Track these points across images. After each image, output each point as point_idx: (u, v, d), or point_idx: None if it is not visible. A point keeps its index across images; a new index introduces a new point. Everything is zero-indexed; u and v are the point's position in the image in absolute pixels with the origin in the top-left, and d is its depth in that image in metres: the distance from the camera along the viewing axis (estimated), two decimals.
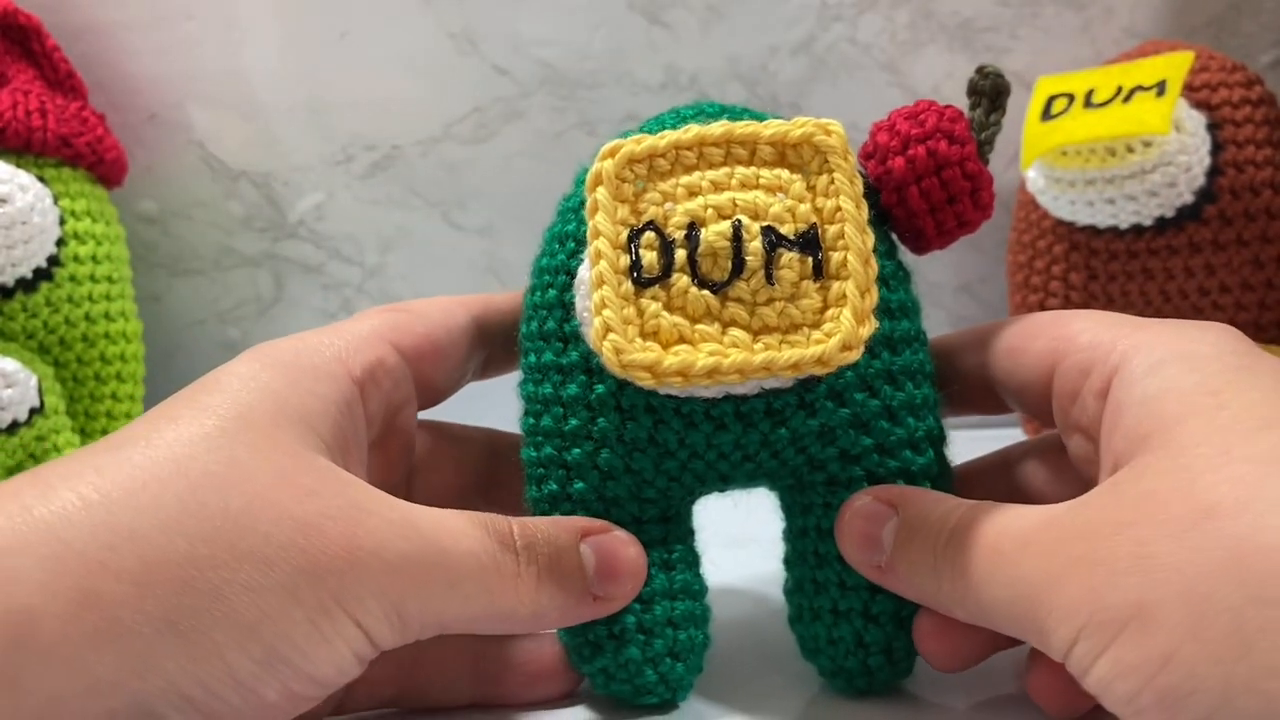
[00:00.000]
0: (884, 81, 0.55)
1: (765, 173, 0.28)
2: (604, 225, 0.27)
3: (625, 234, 0.28)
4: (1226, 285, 0.48)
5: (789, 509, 0.31)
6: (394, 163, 0.56)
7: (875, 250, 0.28)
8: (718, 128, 0.28)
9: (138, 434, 0.24)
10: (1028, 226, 0.52)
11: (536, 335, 0.30)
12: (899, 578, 0.27)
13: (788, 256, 0.27)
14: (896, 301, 0.30)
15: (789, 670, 0.31)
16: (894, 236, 0.32)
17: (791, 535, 0.31)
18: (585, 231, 0.28)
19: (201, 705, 0.22)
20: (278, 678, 0.23)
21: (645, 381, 0.26)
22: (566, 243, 0.30)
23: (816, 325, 0.27)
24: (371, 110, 0.55)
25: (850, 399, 0.28)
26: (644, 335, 0.27)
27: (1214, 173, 0.46)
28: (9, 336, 0.46)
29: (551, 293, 0.30)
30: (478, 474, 0.34)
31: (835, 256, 0.27)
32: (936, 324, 0.61)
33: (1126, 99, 0.45)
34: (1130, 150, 0.45)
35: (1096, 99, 0.46)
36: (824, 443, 0.29)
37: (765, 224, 0.27)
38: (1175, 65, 0.45)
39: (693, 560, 0.31)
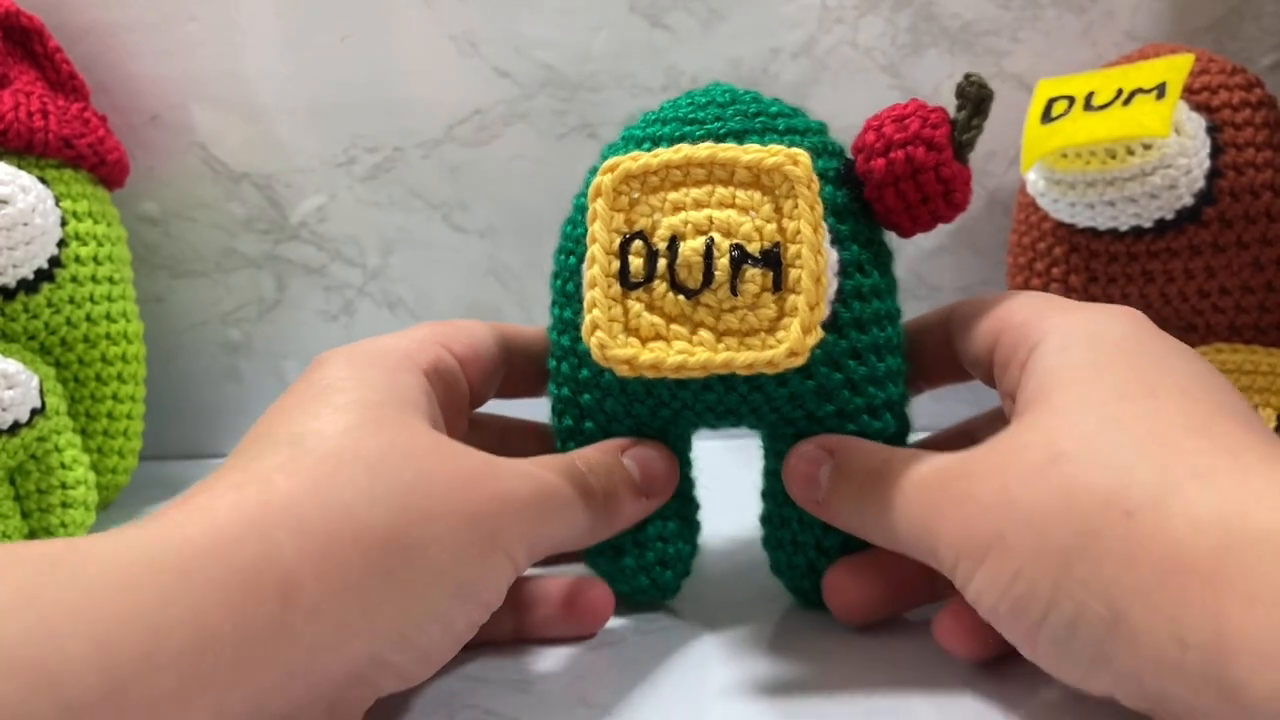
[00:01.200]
0: (885, 84, 0.55)
1: (741, 193, 0.32)
2: (600, 233, 0.32)
3: (618, 241, 0.32)
4: (1226, 288, 0.48)
5: (767, 450, 0.37)
6: (395, 165, 0.56)
7: (852, 235, 0.33)
8: (704, 150, 0.32)
9: (303, 432, 0.28)
10: (1028, 229, 0.52)
11: (560, 292, 0.36)
12: (833, 512, 0.32)
13: (751, 272, 0.31)
14: (870, 285, 0.34)
15: (762, 582, 0.38)
16: (877, 223, 0.35)
17: (767, 472, 0.37)
18: None
19: (413, 642, 0.27)
20: (464, 609, 0.28)
21: (624, 372, 0.32)
22: (586, 217, 0.34)
23: (771, 331, 0.31)
24: (373, 112, 0.55)
25: (816, 372, 0.33)
26: (627, 330, 0.32)
27: (1214, 175, 0.46)
28: (10, 337, 0.46)
29: (573, 259, 0.35)
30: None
31: (793, 273, 0.31)
32: None
33: (1126, 101, 0.45)
34: (1130, 153, 0.45)
35: (1097, 101, 0.46)
36: (793, 406, 0.34)
37: (735, 242, 0.32)
38: (1175, 68, 0.45)
39: (686, 485, 0.37)
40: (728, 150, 0.32)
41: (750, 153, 0.32)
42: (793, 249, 0.31)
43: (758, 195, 0.32)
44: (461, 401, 0.35)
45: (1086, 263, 0.49)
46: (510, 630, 0.34)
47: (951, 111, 0.35)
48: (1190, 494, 0.23)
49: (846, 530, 0.33)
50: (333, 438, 0.28)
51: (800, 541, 0.35)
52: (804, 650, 0.33)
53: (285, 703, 0.24)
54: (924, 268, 0.57)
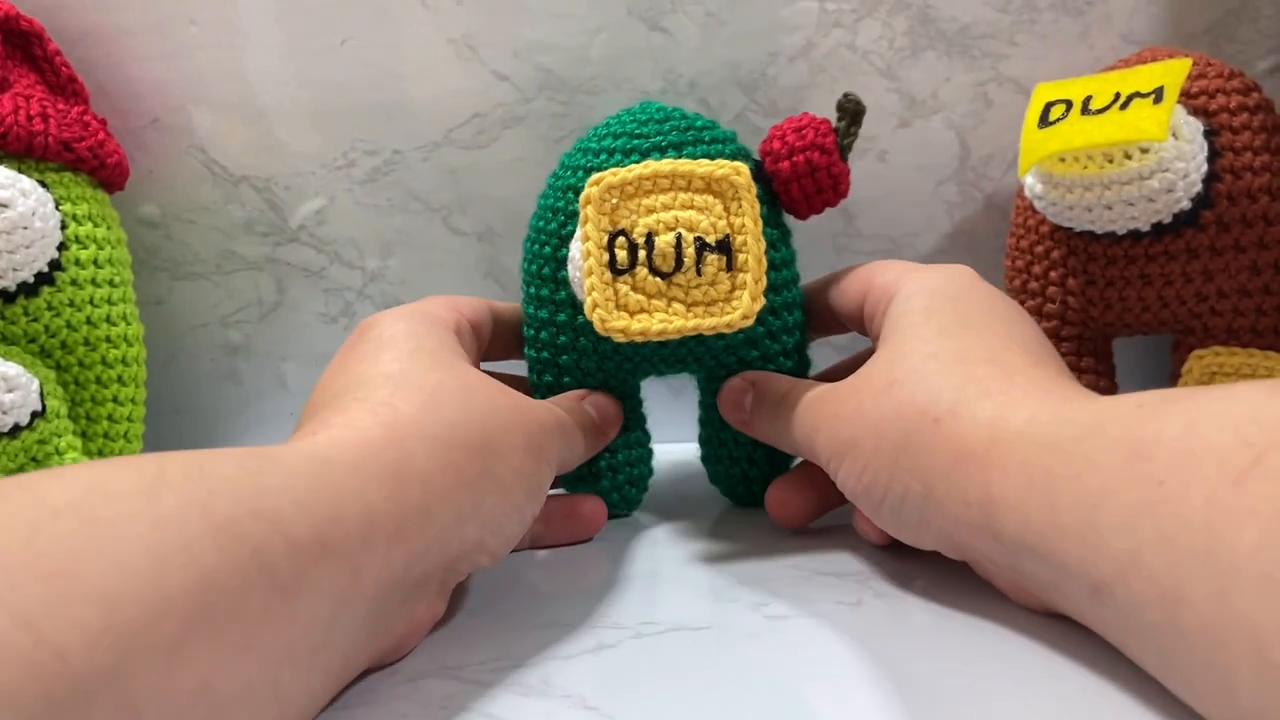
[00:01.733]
0: (882, 88, 0.55)
1: (698, 197, 0.42)
2: (592, 233, 0.41)
3: (606, 238, 0.41)
4: (1224, 291, 0.48)
5: (702, 389, 0.48)
6: (395, 168, 0.56)
7: (765, 220, 0.42)
8: (667, 165, 0.42)
9: (393, 372, 0.35)
10: (1025, 232, 0.52)
11: (535, 275, 0.45)
12: (754, 428, 0.43)
13: (710, 257, 0.41)
14: (780, 258, 0.44)
15: (702, 490, 0.50)
16: (781, 209, 0.45)
17: (703, 406, 0.48)
18: (571, 208, 0.44)
19: (502, 528, 0.35)
20: (531, 504, 0.36)
21: (619, 339, 0.41)
22: (557, 215, 0.44)
23: (727, 301, 0.41)
24: (372, 115, 0.55)
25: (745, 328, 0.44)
26: (618, 307, 0.41)
27: (1211, 179, 0.46)
28: (10, 340, 0.47)
29: (547, 249, 0.44)
30: None
31: (740, 256, 0.41)
32: None
33: (1124, 105, 0.45)
34: (1128, 157, 0.45)
35: (1094, 105, 0.46)
36: (727, 353, 0.45)
37: (697, 235, 0.41)
38: (1173, 72, 0.45)
39: (642, 421, 0.48)
40: (685, 165, 0.42)
41: (704, 166, 0.42)
42: (739, 238, 0.41)
43: (710, 198, 0.42)
44: (474, 357, 0.42)
45: (1084, 266, 0.49)
46: (528, 539, 0.42)
47: (833, 123, 0.45)
48: (975, 406, 0.32)
49: (764, 440, 0.43)
50: (421, 374, 0.35)
51: (735, 456, 0.47)
52: (737, 534, 0.45)
53: (424, 567, 0.31)
54: None
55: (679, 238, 0.41)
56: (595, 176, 0.41)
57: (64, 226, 0.47)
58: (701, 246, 0.41)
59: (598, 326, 0.40)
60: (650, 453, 0.48)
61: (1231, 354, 0.47)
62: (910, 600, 0.37)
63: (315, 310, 0.58)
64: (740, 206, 0.41)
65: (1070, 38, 0.55)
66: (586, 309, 0.41)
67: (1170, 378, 0.51)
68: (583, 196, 0.41)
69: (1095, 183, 0.46)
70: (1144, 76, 0.46)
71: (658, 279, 0.41)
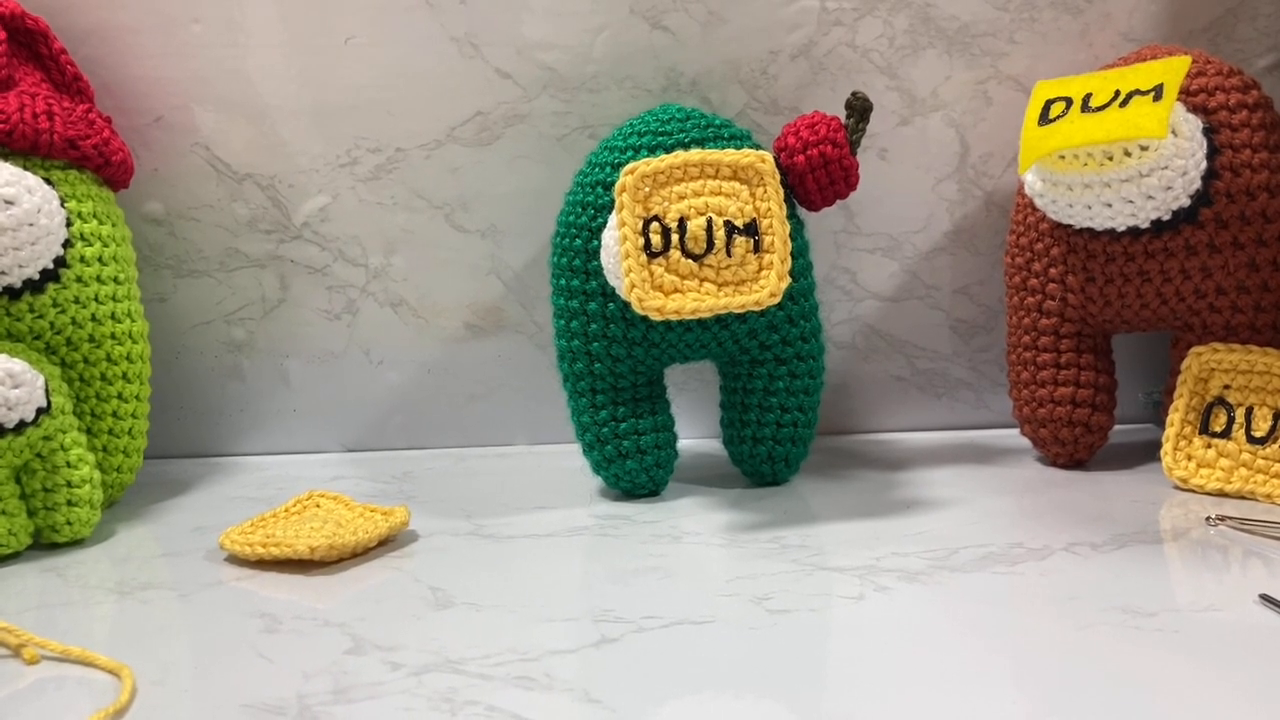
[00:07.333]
0: (883, 85, 0.55)
1: (725, 184, 0.45)
2: (628, 219, 0.44)
3: (640, 223, 0.44)
4: (1222, 288, 0.48)
5: (724, 375, 0.51)
6: (398, 165, 0.56)
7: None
8: (696, 155, 0.45)
9: None
10: (1025, 229, 0.52)
11: (566, 267, 0.48)
12: None
13: (739, 239, 0.44)
14: (797, 246, 0.47)
15: (724, 471, 0.53)
16: (795, 201, 0.48)
17: (725, 392, 0.51)
18: (601, 202, 0.47)
19: None
20: None
21: (656, 317, 0.43)
22: (587, 209, 0.48)
23: (755, 280, 0.44)
24: (375, 113, 0.56)
25: (767, 311, 0.47)
26: (654, 287, 0.43)
27: (1210, 176, 0.47)
28: (16, 337, 0.47)
29: (578, 241, 0.48)
30: None
31: (766, 239, 0.44)
32: (934, 325, 0.61)
33: (1124, 103, 0.45)
34: (1128, 154, 0.45)
35: (1094, 103, 0.46)
36: (749, 337, 0.48)
37: (726, 219, 0.44)
38: (1172, 69, 0.45)
39: (667, 407, 0.51)
40: (714, 154, 0.45)
41: (730, 155, 0.45)
42: (765, 221, 0.44)
43: (737, 185, 0.44)
44: None
45: (1084, 263, 0.50)
46: None
47: (843, 120, 0.47)
48: None
49: None
50: None
51: (759, 437, 0.50)
52: (740, 528, 0.46)
53: None
54: (921, 268, 0.58)
55: (709, 221, 0.43)
56: (629, 166, 0.44)
57: (69, 224, 0.48)
58: (731, 229, 0.43)
59: (635, 306, 0.43)
60: (675, 436, 0.51)
61: (1230, 350, 0.48)
62: (912, 595, 0.37)
63: (319, 307, 0.58)
64: (765, 192, 0.44)
65: (1070, 36, 0.55)
66: (624, 289, 0.43)
67: (1169, 374, 0.51)
68: (618, 185, 0.44)
69: (1095, 180, 0.46)
70: (1144, 74, 0.46)
71: (690, 261, 0.43)
